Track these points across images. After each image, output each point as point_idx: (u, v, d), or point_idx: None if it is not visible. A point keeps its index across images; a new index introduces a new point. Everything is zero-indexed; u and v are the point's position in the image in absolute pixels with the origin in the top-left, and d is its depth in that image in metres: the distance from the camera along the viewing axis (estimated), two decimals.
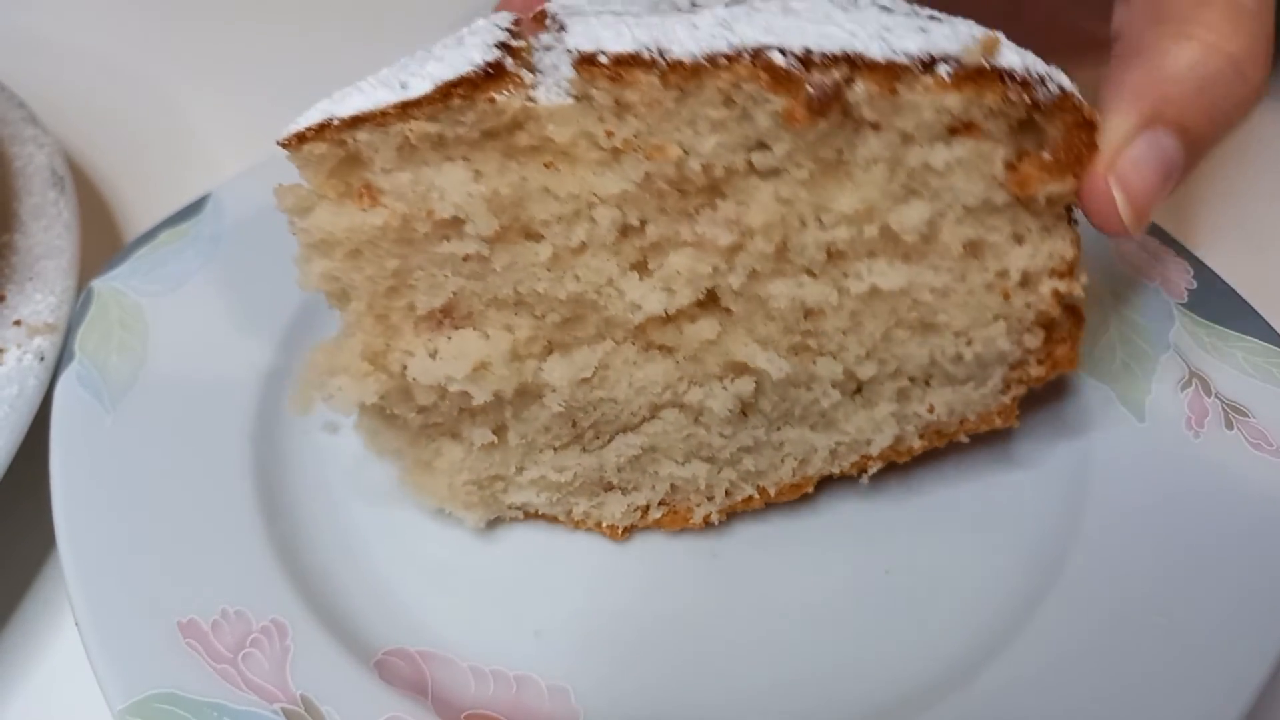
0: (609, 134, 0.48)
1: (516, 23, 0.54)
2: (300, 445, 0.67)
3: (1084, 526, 0.61)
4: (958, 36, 0.47)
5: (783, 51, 0.45)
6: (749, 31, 0.46)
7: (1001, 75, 0.47)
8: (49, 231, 0.74)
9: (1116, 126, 0.51)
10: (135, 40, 1.05)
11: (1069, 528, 0.61)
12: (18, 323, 0.68)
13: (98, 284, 0.70)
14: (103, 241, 0.85)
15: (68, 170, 0.79)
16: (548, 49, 0.51)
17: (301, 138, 0.49)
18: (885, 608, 0.60)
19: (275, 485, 0.64)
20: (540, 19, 0.54)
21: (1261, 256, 0.81)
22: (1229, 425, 0.62)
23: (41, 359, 0.65)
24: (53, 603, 0.62)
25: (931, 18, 0.49)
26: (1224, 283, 0.70)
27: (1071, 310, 0.57)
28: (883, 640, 0.58)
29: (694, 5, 0.52)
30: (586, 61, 0.47)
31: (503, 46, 0.50)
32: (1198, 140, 0.51)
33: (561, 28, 0.50)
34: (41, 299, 0.69)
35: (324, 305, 0.73)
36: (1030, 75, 0.47)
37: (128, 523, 0.59)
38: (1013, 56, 0.48)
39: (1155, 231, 0.73)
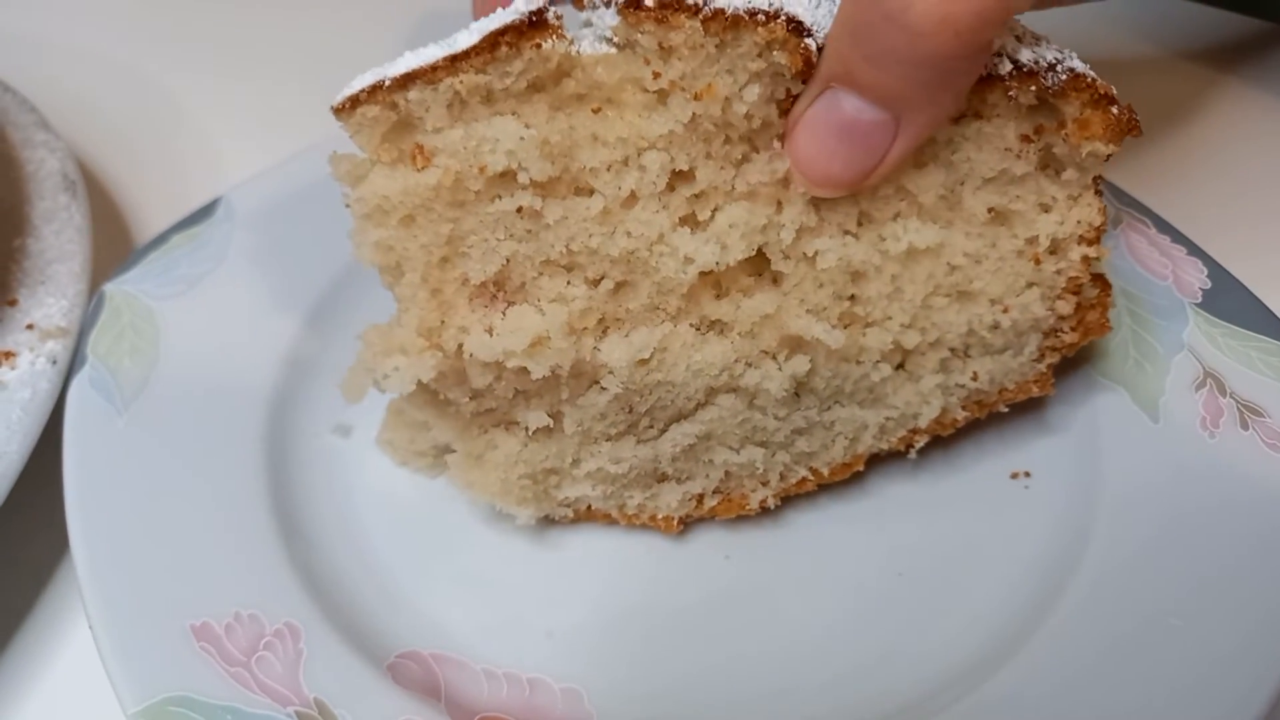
0: (656, 75, 0.50)
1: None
2: (312, 448, 0.67)
3: (1098, 528, 0.60)
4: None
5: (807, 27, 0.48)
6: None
7: (1000, 78, 0.50)
8: (61, 236, 0.74)
9: (803, 95, 0.50)
10: (147, 45, 1.06)
11: (1083, 529, 0.61)
12: (30, 326, 0.68)
13: (110, 287, 0.71)
14: (114, 245, 0.85)
15: (79, 174, 0.79)
16: (586, 24, 0.52)
17: (355, 101, 0.50)
18: (898, 611, 0.60)
19: (287, 488, 0.64)
20: None
21: (1276, 255, 0.80)
22: (1244, 425, 0.62)
23: (54, 363, 0.65)
24: (66, 605, 0.62)
25: None
26: (1238, 282, 0.69)
27: (1099, 277, 0.60)
28: (897, 643, 0.58)
29: None
30: (631, 5, 0.48)
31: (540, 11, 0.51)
32: (887, 94, 0.47)
33: None
34: (54, 303, 0.69)
35: (337, 306, 0.74)
36: (1037, 66, 0.51)
37: (141, 525, 0.59)
38: (1023, 51, 0.51)
39: (1167, 229, 0.73)
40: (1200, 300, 0.69)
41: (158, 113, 0.98)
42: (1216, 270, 0.70)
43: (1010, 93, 0.51)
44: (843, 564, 0.62)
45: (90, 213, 0.76)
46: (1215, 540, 0.57)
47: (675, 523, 0.63)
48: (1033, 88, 0.51)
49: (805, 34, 0.48)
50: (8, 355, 0.66)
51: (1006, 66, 0.50)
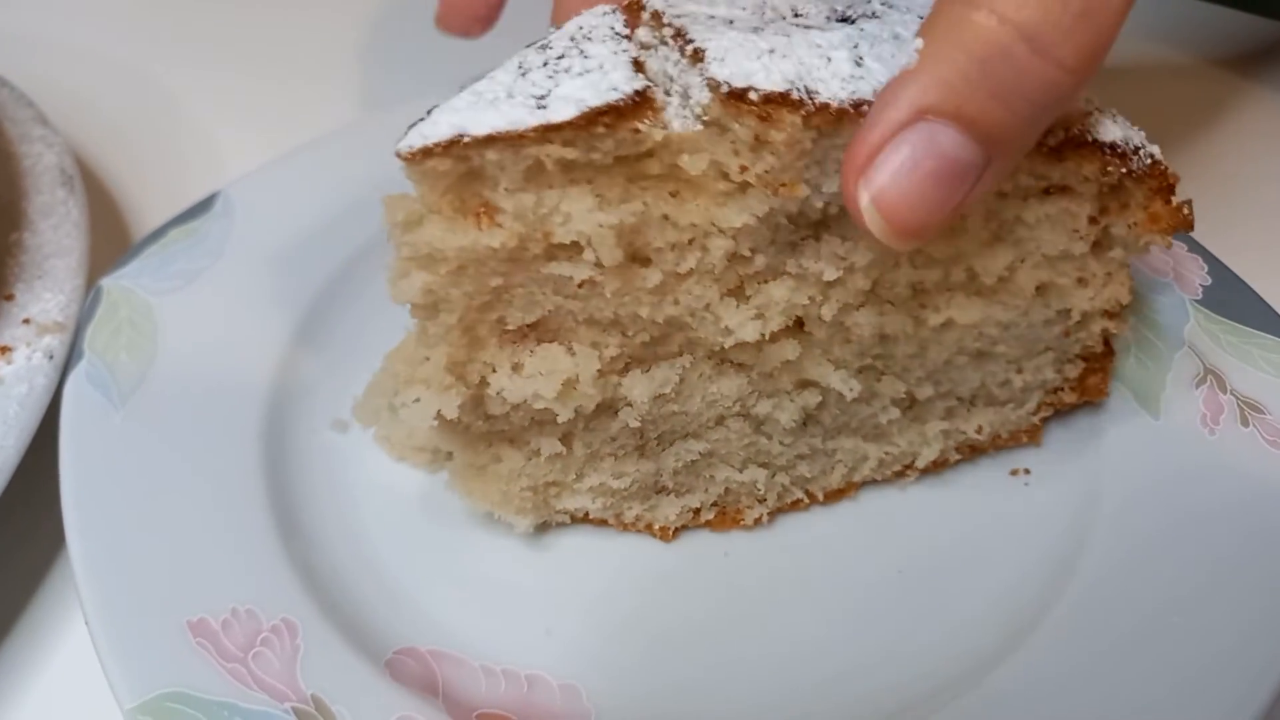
0: (743, 169, 0.48)
1: (626, 8, 0.53)
2: (309, 444, 0.66)
3: (1098, 525, 0.60)
4: None
5: None
6: (879, 70, 0.47)
7: (1102, 148, 0.50)
8: (58, 230, 0.74)
9: (880, 120, 0.42)
10: (145, 40, 1.05)
11: (1083, 526, 0.61)
12: (27, 321, 0.68)
13: (107, 282, 0.70)
14: (111, 240, 0.85)
15: (77, 169, 0.78)
16: (664, 58, 0.50)
17: (428, 152, 0.46)
18: (898, 609, 0.60)
19: (285, 483, 0.63)
20: (636, 8, 0.53)
21: (1277, 252, 0.80)
22: (1244, 422, 0.62)
23: (50, 357, 0.65)
24: (62, 601, 0.62)
25: None
26: (1239, 279, 0.69)
27: (1107, 344, 0.62)
28: (896, 641, 0.58)
29: (795, 13, 0.52)
30: (736, 97, 0.46)
31: (636, 64, 0.49)
32: (994, 131, 0.41)
33: (680, 35, 0.50)
34: (51, 298, 0.69)
35: (335, 302, 0.73)
36: (1128, 147, 0.51)
37: (137, 521, 0.58)
38: (1113, 128, 0.51)
39: None
40: (1201, 297, 0.68)
41: (156, 108, 0.98)
42: (1217, 267, 0.70)
43: (1109, 168, 0.50)
44: (841, 561, 0.62)
45: (88, 208, 0.76)
46: (1215, 537, 0.57)
47: (670, 532, 0.63)
48: (1124, 169, 0.50)
49: None
50: (4, 350, 0.66)
51: (1102, 138, 0.50)
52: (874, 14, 0.54)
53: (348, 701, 0.52)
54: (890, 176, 0.42)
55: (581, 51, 0.49)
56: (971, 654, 0.57)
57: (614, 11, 0.53)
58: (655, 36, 0.52)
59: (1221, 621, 0.54)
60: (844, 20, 0.53)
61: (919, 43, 0.42)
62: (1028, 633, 0.56)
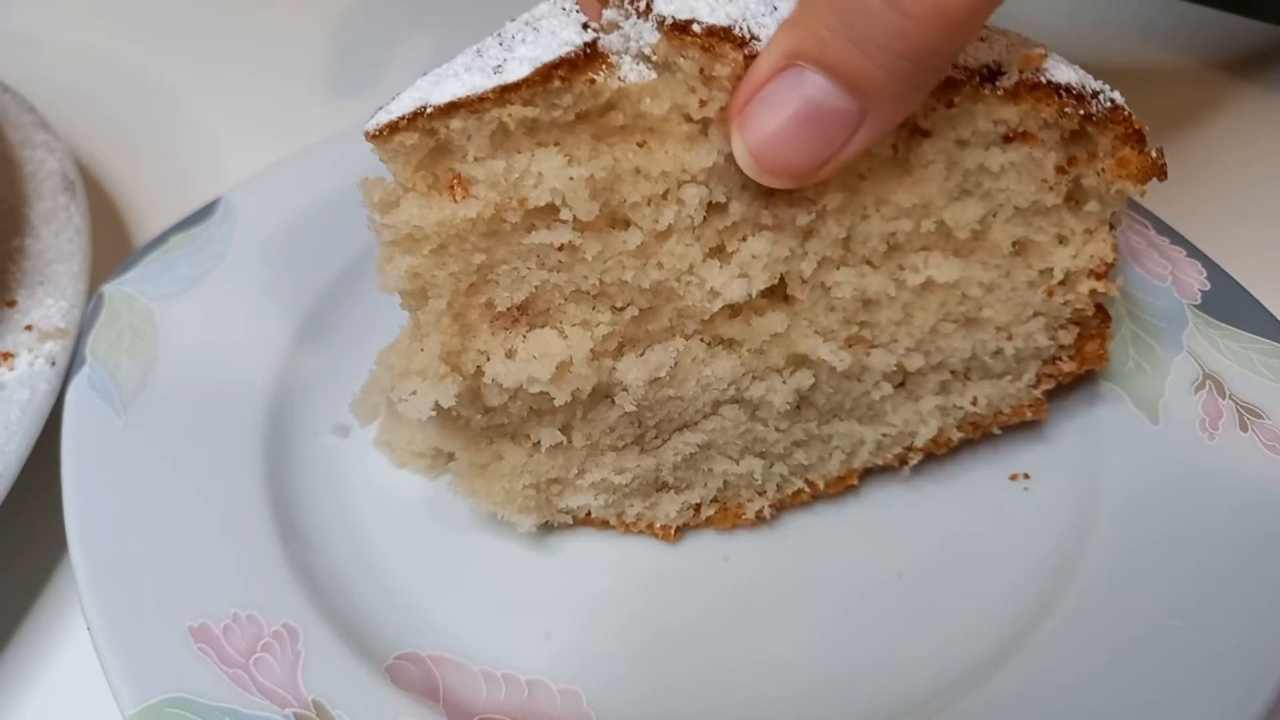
0: (703, 103, 0.48)
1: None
2: (311, 449, 0.67)
3: (1098, 529, 0.60)
4: (1010, 45, 0.50)
5: None
6: None
7: (1057, 90, 0.50)
8: (60, 236, 0.74)
9: (757, 67, 0.45)
10: (146, 45, 1.06)
11: (1083, 530, 0.61)
12: (29, 327, 0.68)
13: (108, 288, 0.71)
14: (113, 246, 0.85)
15: (78, 175, 0.79)
16: (616, 27, 0.50)
17: (394, 127, 0.47)
18: (896, 612, 0.60)
19: (286, 488, 0.64)
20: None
21: (1276, 256, 0.80)
22: (1244, 427, 0.62)
23: (53, 363, 0.65)
24: (63, 606, 0.62)
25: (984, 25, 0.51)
26: (1237, 284, 0.69)
27: (1101, 309, 0.61)
28: (894, 645, 0.58)
29: None
30: (679, 29, 0.46)
31: (586, 27, 0.49)
32: (859, 79, 0.43)
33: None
34: (53, 303, 0.69)
35: (336, 307, 0.74)
36: (1085, 89, 0.51)
37: (139, 526, 0.59)
38: (1067, 71, 0.51)
39: (1166, 231, 0.73)
40: (1199, 302, 0.69)
41: (157, 113, 0.98)
42: (1216, 272, 0.70)
43: (1066, 109, 0.50)
44: (841, 565, 0.62)
45: (89, 213, 0.76)
46: (1215, 541, 0.57)
47: (673, 532, 0.63)
48: (1081, 112, 0.50)
49: None
50: (6, 356, 0.66)
51: (1057, 79, 0.50)
52: None
53: (349, 707, 0.52)
54: (762, 119, 0.45)
55: (535, 29, 0.50)
56: (970, 658, 0.57)
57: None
58: (621, 13, 0.52)
59: (1221, 626, 0.54)
60: None
61: None
62: (1027, 637, 0.56)
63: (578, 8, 0.52)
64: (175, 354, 0.68)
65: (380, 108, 0.49)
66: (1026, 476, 0.65)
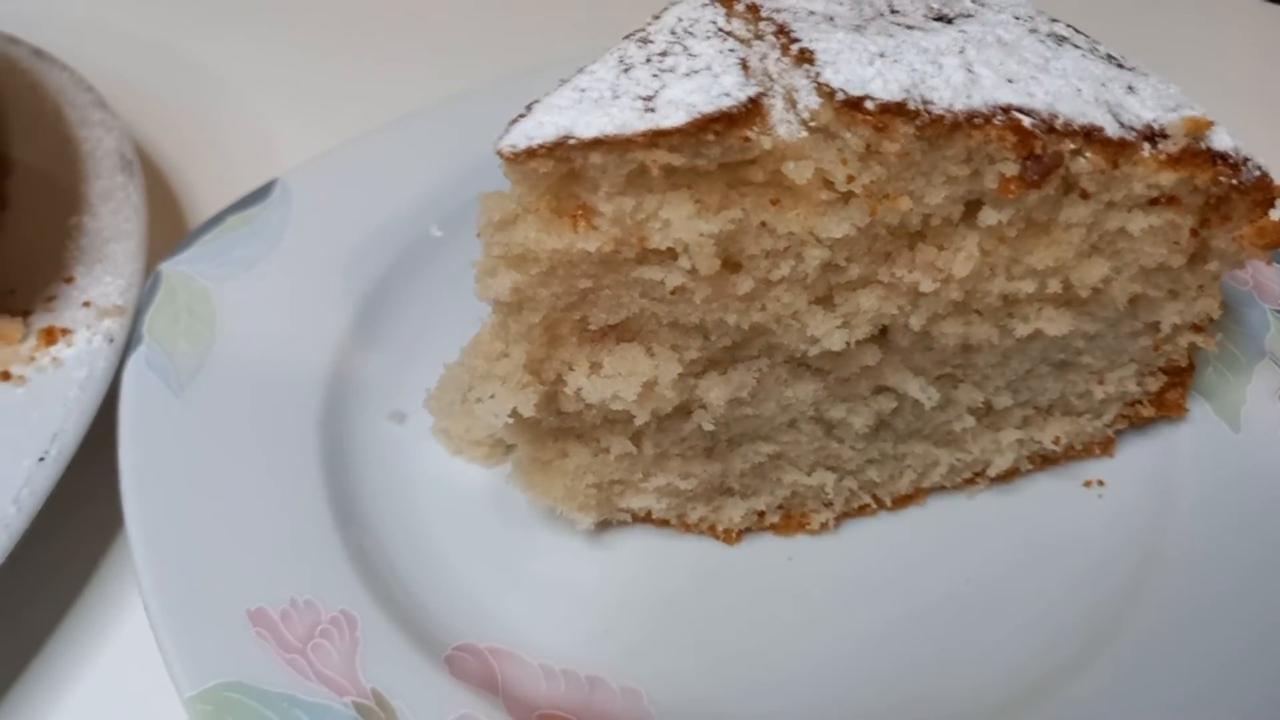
0: (850, 179, 0.46)
1: (727, 14, 0.52)
2: (366, 435, 0.66)
3: (1175, 538, 0.59)
4: (1160, 99, 0.50)
5: (1028, 113, 0.46)
6: (989, 78, 0.47)
7: (1215, 158, 0.49)
8: (117, 215, 0.73)
9: None
10: (200, 27, 1.05)
11: (1160, 539, 0.59)
12: (87, 304, 0.67)
13: (165, 267, 0.70)
14: (166, 226, 0.84)
15: (135, 154, 0.78)
16: (763, 55, 0.49)
17: (531, 153, 0.45)
18: (966, 618, 0.58)
19: (342, 474, 0.63)
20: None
21: None
22: None
23: (111, 341, 0.65)
24: (118, 585, 0.62)
25: (1120, 65, 0.52)
26: None
27: (1189, 358, 0.61)
28: (964, 652, 0.56)
29: (892, 10, 0.51)
30: (851, 106, 0.45)
31: (744, 66, 0.48)
32: None
33: (783, 32, 0.49)
34: (110, 281, 0.69)
35: (390, 293, 0.73)
36: (1239, 158, 0.50)
37: (196, 508, 0.58)
38: (1225, 138, 0.50)
39: None
40: None
41: (210, 96, 0.97)
42: None
43: (1220, 178, 0.49)
44: (908, 569, 0.60)
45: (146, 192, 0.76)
46: None
47: (734, 535, 0.62)
48: (1234, 181, 0.49)
49: (1031, 136, 0.46)
50: (64, 332, 0.65)
51: (1216, 147, 0.49)
52: (968, 13, 0.54)
53: (408, 697, 0.51)
54: None
55: (686, 49, 0.48)
56: (1043, 667, 0.55)
57: (713, 4, 0.52)
58: (750, 30, 0.51)
59: None
60: (941, 19, 0.52)
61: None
62: (1103, 647, 0.55)
63: (730, 26, 0.50)
64: (232, 336, 0.67)
65: (515, 119, 0.47)
66: (1101, 483, 0.63)
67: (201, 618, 0.53)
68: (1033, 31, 0.54)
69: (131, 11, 1.06)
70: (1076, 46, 0.54)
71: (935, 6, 0.55)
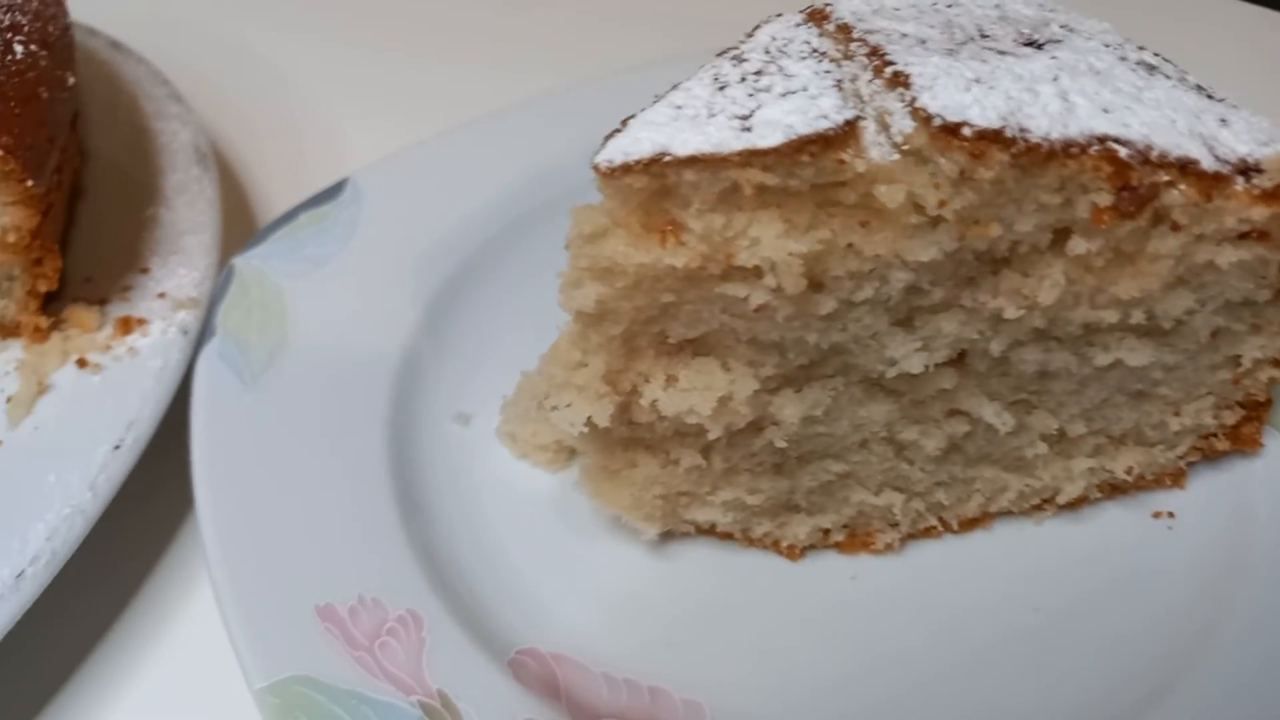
0: (941, 204, 0.46)
1: (811, 15, 0.53)
2: (432, 436, 0.66)
3: (1249, 574, 0.58)
4: (1253, 133, 0.49)
5: (1124, 144, 0.46)
6: (1085, 107, 0.47)
7: None
8: (192, 208, 0.74)
9: None
10: (271, 23, 1.06)
11: (1233, 574, 0.58)
12: (161, 295, 0.68)
13: (239, 261, 0.71)
14: (236, 221, 0.85)
15: (211, 148, 0.79)
16: (854, 76, 0.49)
17: (627, 168, 0.46)
18: (1034, 647, 0.57)
19: (409, 473, 0.63)
20: (820, 18, 0.53)
21: None
22: None
23: (185, 333, 0.66)
24: (185, 570, 0.62)
25: (1210, 96, 0.51)
26: None
27: (1269, 396, 0.61)
28: (1032, 680, 0.56)
29: (983, 34, 0.51)
30: (948, 132, 0.45)
31: (838, 86, 0.48)
32: None
33: (877, 54, 0.49)
34: (185, 273, 0.70)
35: (458, 295, 0.73)
36: None
37: (266, 501, 0.58)
38: None
39: None
40: None
41: (282, 90, 0.98)
42: None
43: None
44: (974, 594, 0.60)
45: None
46: None
47: (798, 551, 0.61)
48: None
49: (1127, 167, 0.46)
50: (140, 322, 0.66)
51: None
52: (1057, 38, 0.53)
53: (474, 699, 0.51)
54: None
55: (781, 69, 0.48)
56: (1113, 701, 0.54)
57: (806, 24, 0.52)
58: (840, 49, 0.51)
59: None
60: (1031, 45, 0.52)
61: None
62: (1176, 684, 0.54)
63: (817, 30, 0.51)
64: (302, 332, 0.68)
65: (610, 134, 0.47)
66: (1170, 515, 0.63)
67: (272, 611, 0.53)
68: (1123, 60, 0.53)
69: (207, 5, 1.07)
70: (1167, 76, 0.53)
71: (1025, 32, 0.55)
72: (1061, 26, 0.56)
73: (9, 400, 0.63)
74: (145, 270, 0.71)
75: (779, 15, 0.55)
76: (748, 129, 0.46)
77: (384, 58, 1.02)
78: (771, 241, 0.47)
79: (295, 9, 1.08)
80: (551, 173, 0.79)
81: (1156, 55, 0.56)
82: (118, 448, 0.59)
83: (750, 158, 0.45)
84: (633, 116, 0.48)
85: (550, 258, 0.73)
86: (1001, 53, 0.51)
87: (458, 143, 0.80)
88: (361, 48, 1.03)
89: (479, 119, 0.83)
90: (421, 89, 0.97)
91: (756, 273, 0.49)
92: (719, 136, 0.45)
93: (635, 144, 0.46)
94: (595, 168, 0.46)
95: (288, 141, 0.93)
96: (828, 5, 0.55)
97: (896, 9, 0.55)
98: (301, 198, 0.76)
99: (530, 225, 0.77)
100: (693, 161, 0.45)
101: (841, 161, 0.46)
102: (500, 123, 0.82)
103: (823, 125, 0.45)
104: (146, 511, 0.64)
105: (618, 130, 0.48)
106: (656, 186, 0.47)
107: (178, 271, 0.70)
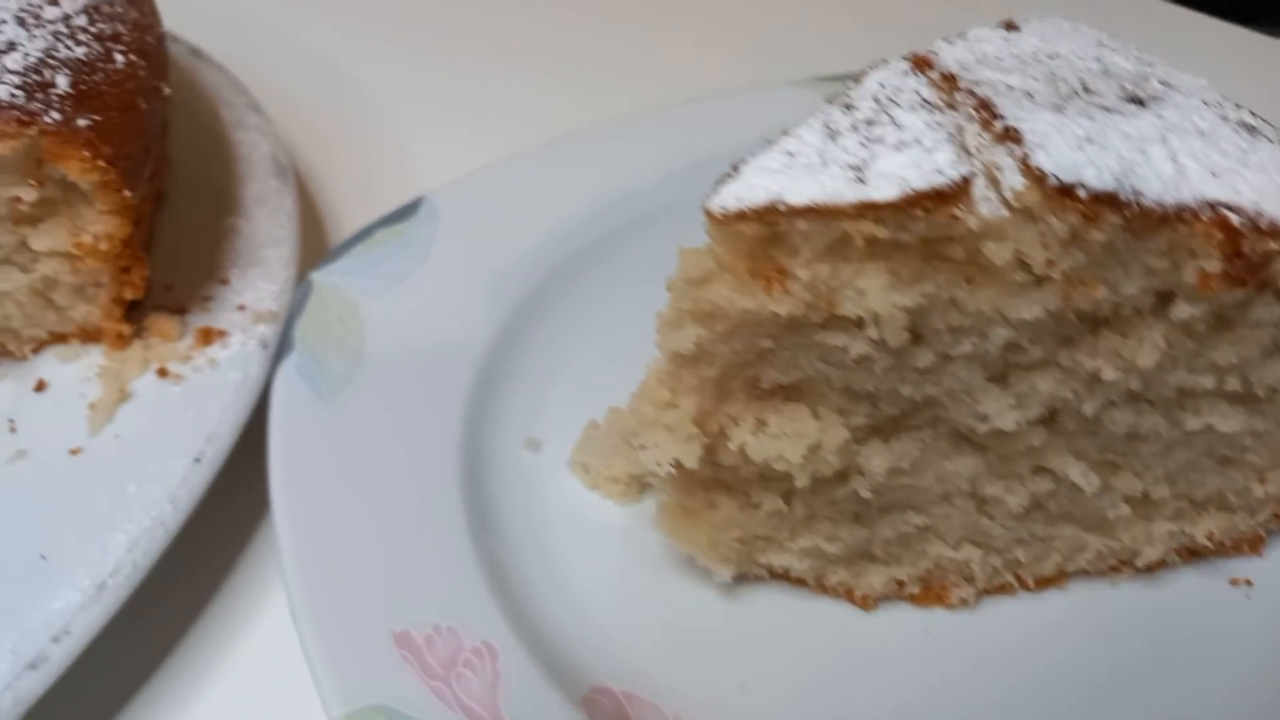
0: (1049, 263, 0.46)
1: (917, 64, 0.52)
2: (504, 460, 0.66)
3: None
4: None
5: (1235, 210, 0.46)
6: (1195, 170, 0.47)
7: None
8: (271, 220, 0.75)
9: None
10: (354, 35, 1.06)
11: None
12: (241, 307, 0.69)
13: (317, 276, 0.71)
14: (310, 236, 0.85)
15: (290, 160, 0.79)
16: (961, 128, 0.49)
17: (741, 215, 0.45)
18: (1108, 708, 0.57)
19: (480, 497, 0.63)
20: (924, 65, 0.53)
21: None
22: None
23: (265, 346, 0.66)
24: (259, 582, 0.62)
25: None
26: None
27: None
28: None
29: (1086, 89, 0.51)
30: (1063, 193, 0.44)
31: (951, 138, 0.48)
32: None
33: (986, 107, 0.48)
34: (264, 286, 0.70)
35: (532, 318, 0.73)
36: None
37: (343, 522, 0.58)
38: None
39: None
40: None
41: (359, 104, 0.99)
42: None
43: None
44: (1048, 653, 0.59)
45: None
46: None
47: (872, 601, 0.61)
48: None
49: (1239, 234, 0.45)
50: (220, 334, 0.67)
51: None
52: (1158, 95, 0.53)
53: None
54: None
55: (892, 119, 0.48)
56: None
57: (913, 73, 0.52)
58: (944, 99, 0.50)
59: None
60: (1134, 101, 0.52)
61: None
62: None
63: (925, 79, 0.51)
64: (379, 350, 0.68)
65: (723, 178, 0.47)
66: (1249, 583, 0.62)
67: (350, 636, 0.53)
68: (1224, 119, 0.53)
69: (288, 14, 1.07)
70: (1269, 139, 0.53)
71: (1128, 88, 0.54)
72: (1160, 82, 0.55)
73: (91, 407, 0.63)
74: (225, 281, 0.71)
75: (884, 61, 0.55)
76: (862, 180, 0.45)
77: (463, 76, 1.02)
78: (877, 294, 0.47)
79: (378, 23, 1.08)
80: (625, 198, 0.79)
81: (1254, 115, 0.55)
82: (198, 461, 0.59)
83: (865, 210, 0.45)
84: (744, 160, 0.48)
85: (623, 285, 0.74)
86: (1107, 110, 0.51)
87: (532, 165, 0.80)
88: (441, 66, 1.03)
89: (554, 141, 0.83)
90: (499, 110, 0.98)
91: (858, 323, 0.48)
92: (833, 186, 0.45)
93: (749, 190, 0.46)
94: (708, 212, 0.46)
95: (358, 154, 0.93)
96: (931, 53, 0.55)
97: (999, 58, 0.55)
98: (370, 211, 0.77)
99: (602, 251, 0.77)
100: (807, 211, 0.45)
101: (955, 217, 0.45)
102: (575, 146, 0.82)
103: (939, 180, 0.45)
104: (218, 521, 0.64)
105: (729, 174, 0.47)
106: (767, 234, 0.47)
107: (257, 284, 0.70)
